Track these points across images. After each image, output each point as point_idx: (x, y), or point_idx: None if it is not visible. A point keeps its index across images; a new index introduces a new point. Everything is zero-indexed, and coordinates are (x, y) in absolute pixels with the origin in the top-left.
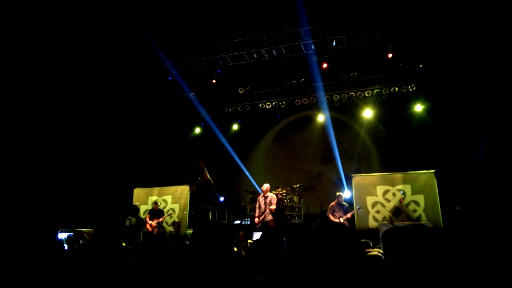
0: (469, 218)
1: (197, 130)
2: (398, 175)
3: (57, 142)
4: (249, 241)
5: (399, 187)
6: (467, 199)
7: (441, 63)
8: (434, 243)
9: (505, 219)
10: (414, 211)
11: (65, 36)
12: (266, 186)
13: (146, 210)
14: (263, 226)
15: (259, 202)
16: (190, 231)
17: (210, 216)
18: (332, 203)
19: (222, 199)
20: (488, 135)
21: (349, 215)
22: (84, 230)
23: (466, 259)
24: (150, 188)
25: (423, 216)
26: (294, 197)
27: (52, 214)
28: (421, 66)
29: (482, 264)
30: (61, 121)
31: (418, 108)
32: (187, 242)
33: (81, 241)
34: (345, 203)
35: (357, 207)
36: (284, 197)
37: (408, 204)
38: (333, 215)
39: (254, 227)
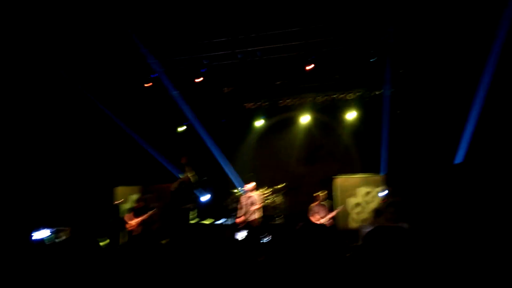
0: (448, 218)
1: (181, 129)
2: (379, 177)
3: (36, 139)
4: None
5: (380, 189)
6: (446, 201)
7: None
8: (411, 243)
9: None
10: (394, 213)
11: (45, 31)
12: (250, 185)
13: (128, 209)
14: (247, 226)
15: (241, 202)
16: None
17: (192, 216)
18: (312, 204)
19: (204, 198)
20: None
21: (333, 213)
22: (65, 228)
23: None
24: (133, 187)
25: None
26: (277, 197)
27: (29, 212)
28: (401, 71)
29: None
30: (40, 118)
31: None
32: (163, 242)
33: (63, 238)
34: (324, 203)
35: (339, 208)
36: (268, 197)
37: (389, 206)
38: (314, 216)
39: (236, 227)
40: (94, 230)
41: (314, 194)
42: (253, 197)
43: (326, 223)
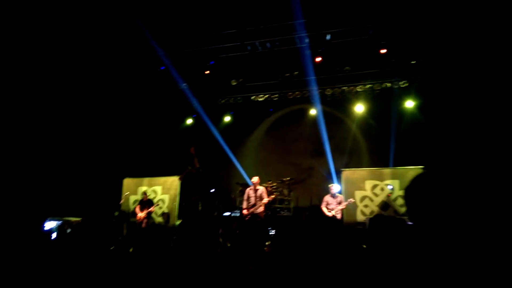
0: (457, 216)
1: (189, 121)
2: (387, 170)
3: (45, 132)
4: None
5: (388, 182)
6: (454, 197)
7: (433, 60)
8: (412, 239)
9: (493, 216)
10: (402, 206)
11: (52, 23)
12: (256, 178)
13: (136, 200)
14: (253, 218)
15: (248, 194)
16: (178, 222)
17: (200, 207)
18: (326, 196)
19: (212, 190)
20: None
21: (343, 206)
22: (73, 219)
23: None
24: (140, 179)
25: None
26: (284, 190)
27: (39, 203)
28: (413, 62)
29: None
30: (49, 111)
31: (410, 104)
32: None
33: (69, 230)
34: (339, 195)
35: (349, 200)
36: (275, 190)
37: (396, 199)
38: (327, 207)
39: (243, 219)
40: (101, 222)
41: (329, 185)
42: (260, 191)
43: (336, 215)
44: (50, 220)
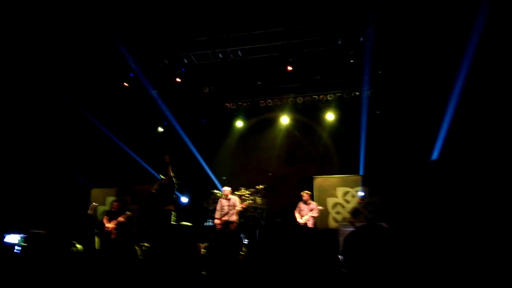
0: (424, 217)
1: (160, 129)
2: (358, 177)
3: (8, 140)
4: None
5: (358, 188)
6: (421, 201)
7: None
8: (390, 242)
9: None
10: (372, 212)
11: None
12: (227, 189)
13: (104, 211)
14: (225, 227)
15: (221, 204)
16: (151, 233)
17: (173, 218)
18: (300, 202)
19: (185, 200)
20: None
21: (314, 213)
22: (38, 231)
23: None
24: (109, 189)
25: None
26: (257, 198)
27: (2, 214)
28: (380, 72)
29: (435, 262)
30: (16, 118)
31: (377, 112)
32: (146, 245)
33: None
34: (311, 202)
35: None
36: (247, 198)
37: (367, 205)
38: (300, 214)
39: (216, 229)
40: (69, 235)
41: (301, 193)
42: (233, 199)
43: (308, 222)
44: (12, 233)
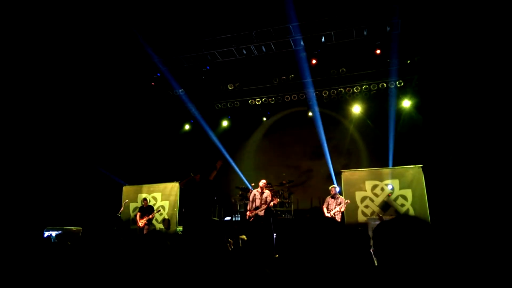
0: (457, 212)
1: (187, 127)
2: (386, 170)
3: (46, 140)
4: (242, 236)
5: (387, 181)
6: (454, 194)
7: (429, 59)
8: (423, 235)
9: (492, 214)
10: (402, 205)
11: (49, 33)
12: (263, 181)
13: (136, 207)
14: (256, 220)
15: (254, 196)
16: (180, 228)
17: (203, 214)
18: (328, 197)
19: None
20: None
21: (342, 208)
22: (73, 228)
23: (453, 254)
24: (139, 186)
25: (411, 210)
26: (284, 193)
27: (38, 212)
28: (408, 62)
29: (470, 259)
30: (50, 119)
31: (406, 103)
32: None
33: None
34: (339, 196)
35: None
36: (274, 193)
37: (396, 198)
38: (327, 208)
39: (245, 223)
40: (105, 229)
41: (329, 187)
42: (265, 194)
43: (336, 216)
44: (48, 230)
